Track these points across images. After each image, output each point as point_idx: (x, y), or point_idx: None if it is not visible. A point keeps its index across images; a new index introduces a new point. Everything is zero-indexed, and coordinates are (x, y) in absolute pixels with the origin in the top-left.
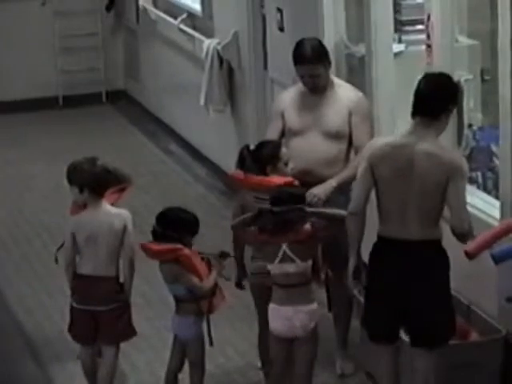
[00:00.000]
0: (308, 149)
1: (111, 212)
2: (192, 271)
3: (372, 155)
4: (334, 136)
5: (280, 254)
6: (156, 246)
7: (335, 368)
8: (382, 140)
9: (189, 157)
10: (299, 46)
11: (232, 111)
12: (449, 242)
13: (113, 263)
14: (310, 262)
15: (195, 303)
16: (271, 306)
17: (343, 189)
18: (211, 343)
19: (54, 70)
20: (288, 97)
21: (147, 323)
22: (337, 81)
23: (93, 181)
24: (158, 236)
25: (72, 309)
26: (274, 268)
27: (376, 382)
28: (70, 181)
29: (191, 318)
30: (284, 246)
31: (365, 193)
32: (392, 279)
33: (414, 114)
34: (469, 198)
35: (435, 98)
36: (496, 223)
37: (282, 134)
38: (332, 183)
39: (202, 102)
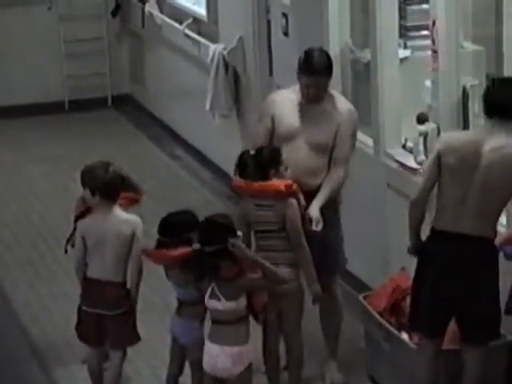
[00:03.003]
0: (294, 157)
1: (120, 217)
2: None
3: (441, 145)
4: (320, 148)
5: (209, 290)
6: (174, 252)
7: (324, 379)
8: (453, 133)
9: (194, 162)
10: (310, 56)
11: (237, 116)
12: None
13: (120, 269)
14: (241, 301)
15: (203, 306)
16: (206, 341)
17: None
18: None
19: (60, 75)
20: (280, 100)
21: (150, 328)
22: (332, 92)
23: (104, 186)
24: (166, 245)
25: (80, 310)
26: (206, 301)
27: None
28: (84, 183)
29: (196, 322)
30: (212, 283)
31: (429, 183)
32: (441, 272)
33: (490, 114)
34: None
35: None
36: (502, 228)
37: (271, 136)
38: (316, 206)
39: (207, 107)
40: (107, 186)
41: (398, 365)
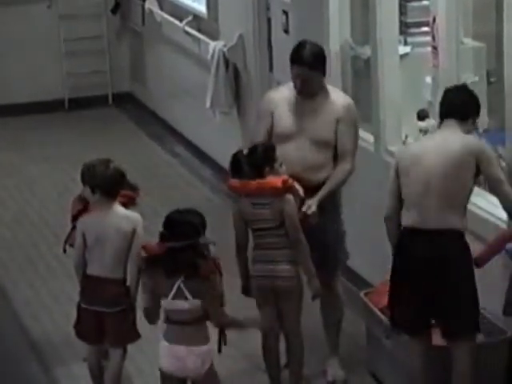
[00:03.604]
0: (295, 155)
1: (120, 214)
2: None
3: (397, 156)
4: (322, 144)
5: (174, 289)
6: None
7: (326, 376)
8: (409, 143)
9: (195, 159)
10: (300, 46)
11: (238, 113)
12: None
13: (120, 266)
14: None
15: None
16: (162, 344)
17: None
18: (219, 350)
19: (60, 73)
20: (278, 97)
21: (151, 325)
22: (329, 87)
23: (104, 183)
24: (168, 241)
25: (79, 307)
26: (167, 304)
27: (380, 383)
28: (84, 181)
29: None
30: (179, 281)
31: (395, 195)
32: (415, 270)
33: (445, 116)
34: (476, 200)
35: (468, 102)
36: (503, 225)
37: (270, 133)
38: (317, 198)
39: (207, 104)
40: (107, 183)
41: (399, 361)
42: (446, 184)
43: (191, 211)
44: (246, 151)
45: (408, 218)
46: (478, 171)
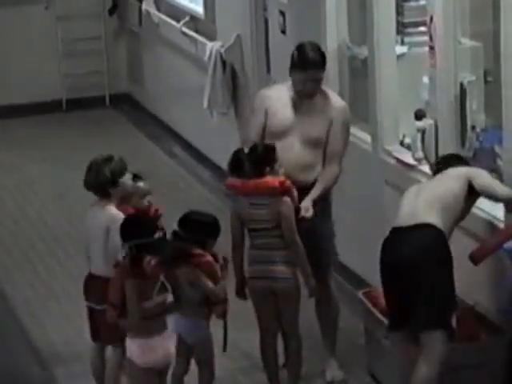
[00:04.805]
0: (287, 153)
1: (110, 213)
2: (211, 277)
3: None
4: (313, 143)
5: (157, 286)
6: None
7: (324, 376)
8: None
9: (192, 160)
10: (304, 50)
11: (235, 114)
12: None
13: (109, 264)
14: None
15: (207, 307)
16: (137, 342)
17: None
18: (225, 349)
19: (58, 74)
20: (272, 95)
21: None
22: (323, 88)
23: (97, 181)
24: (180, 239)
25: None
26: (155, 302)
27: (379, 383)
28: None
29: (202, 321)
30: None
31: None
32: (391, 266)
33: (440, 170)
34: None
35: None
36: (500, 224)
37: (264, 131)
38: (309, 200)
39: (205, 105)
40: (99, 183)
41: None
42: (434, 186)
43: (211, 216)
44: (246, 150)
45: (396, 220)
46: (473, 192)
